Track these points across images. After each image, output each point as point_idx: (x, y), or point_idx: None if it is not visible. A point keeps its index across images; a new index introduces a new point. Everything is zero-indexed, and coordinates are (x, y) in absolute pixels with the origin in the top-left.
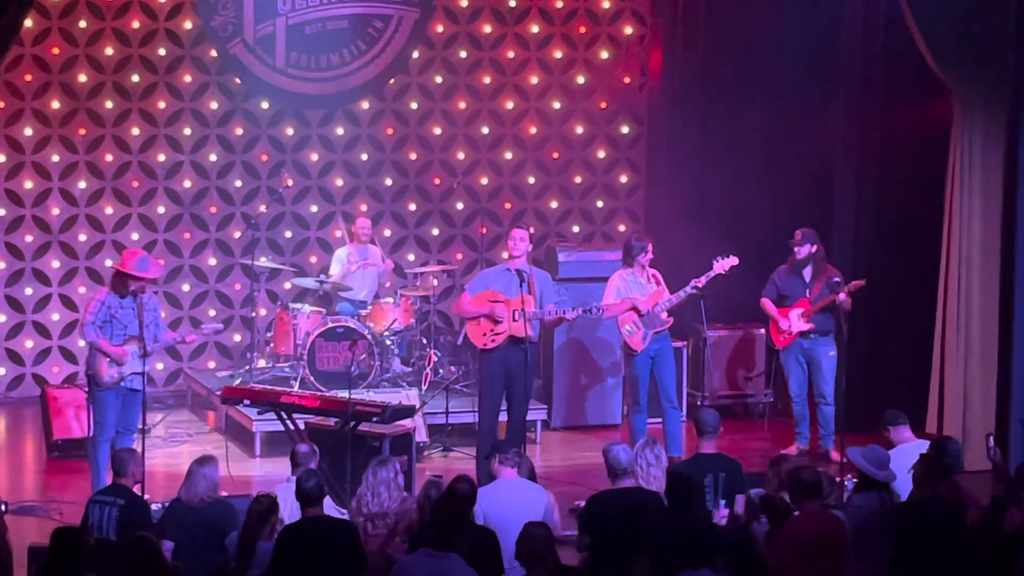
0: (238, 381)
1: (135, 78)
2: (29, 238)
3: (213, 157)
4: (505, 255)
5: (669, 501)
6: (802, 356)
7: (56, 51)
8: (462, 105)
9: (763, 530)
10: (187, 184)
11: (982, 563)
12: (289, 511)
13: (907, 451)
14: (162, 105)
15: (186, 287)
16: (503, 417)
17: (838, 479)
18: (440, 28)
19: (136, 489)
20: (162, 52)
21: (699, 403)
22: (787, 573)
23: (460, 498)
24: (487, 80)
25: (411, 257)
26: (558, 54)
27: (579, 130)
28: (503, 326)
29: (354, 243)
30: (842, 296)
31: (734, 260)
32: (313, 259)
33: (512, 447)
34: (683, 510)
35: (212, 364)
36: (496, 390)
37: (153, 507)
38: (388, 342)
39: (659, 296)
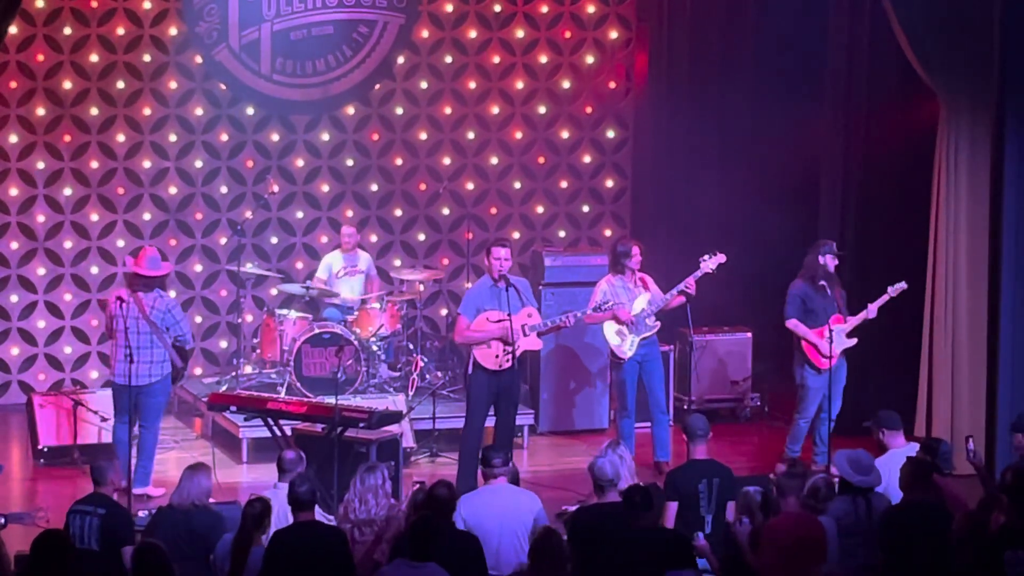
0: (224, 387)
1: (120, 85)
2: (15, 245)
3: (199, 163)
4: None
5: (626, 509)
6: (829, 375)
7: (41, 58)
8: (448, 110)
9: (745, 531)
10: (173, 191)
11: (967, 567)
12: (275, 517)
13: (900, 456)
14: (147, 112)
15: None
16: (490, 422)
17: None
18: (425, 33)
19: (116, 497)
20: (147, 59)
21: (686, 407)
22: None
23: (440, 503)
24: (472, 85)
25: (397, 263)
26: (543, 59)
27: (565, 135)
28: (516, 343)
29: (342, 250)
30: (873, 308)
31: (722, 258)
32: (299, 265)
33: (496, 456)
34: (638, 518)
35: (199, 371)
36: (483, 413)
37: (140, 514)
38: (375, 348)
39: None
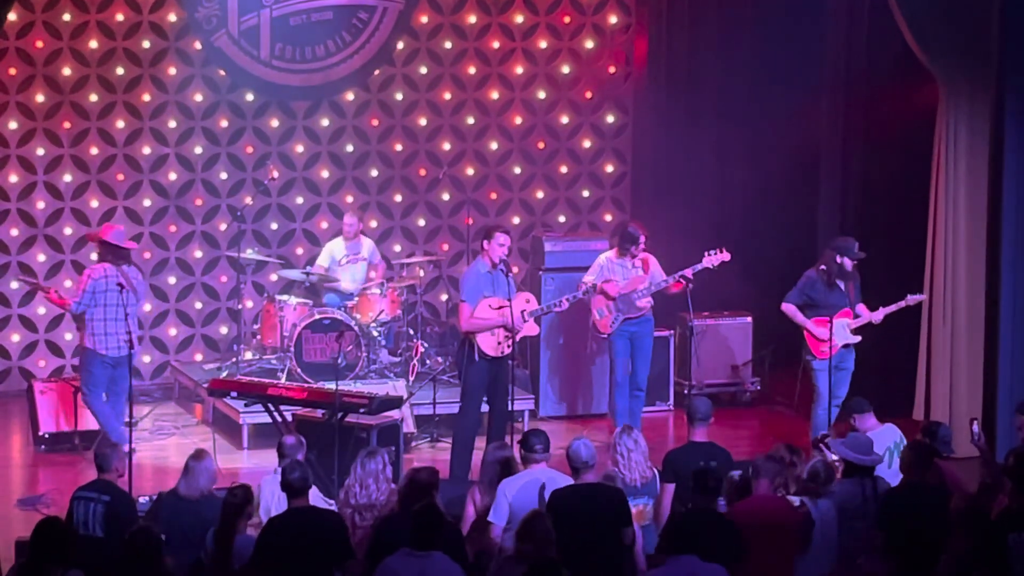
0: (225, 373)
1: (119, 71)
2: (14, 232)
3: (198, 149)
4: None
5: (696, 493)
6: (835, 362)
7: (40, 44)
8: (447, 96)
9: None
10: (172, 177)
11: (967, 549)
12: (276, 503)
13: (878, 437)
14: (147, 98)
15: (172, 280)
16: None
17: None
18: (424, 19)
19: (119, 483)
20: (146, 45)
21: (686, 392)
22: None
23: (421, 488)
24: (472, 70)
25: (397, 248)
26: (543, 44)
27: (564, 120)
28: (517, 329)
29: (345, 238)
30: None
31: (726, 256)
32: (299, 251)
33: (537, 442)
34: (711, 503)
35: (199, 356)
36: (481, 400)
37: (140, 500)
38: (375, 333)
39: (639, 282)
